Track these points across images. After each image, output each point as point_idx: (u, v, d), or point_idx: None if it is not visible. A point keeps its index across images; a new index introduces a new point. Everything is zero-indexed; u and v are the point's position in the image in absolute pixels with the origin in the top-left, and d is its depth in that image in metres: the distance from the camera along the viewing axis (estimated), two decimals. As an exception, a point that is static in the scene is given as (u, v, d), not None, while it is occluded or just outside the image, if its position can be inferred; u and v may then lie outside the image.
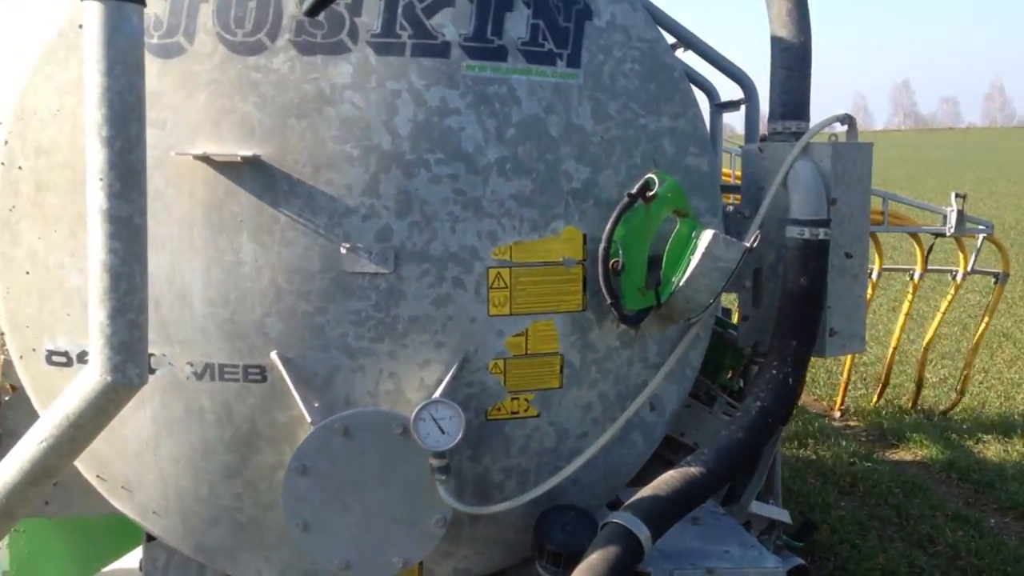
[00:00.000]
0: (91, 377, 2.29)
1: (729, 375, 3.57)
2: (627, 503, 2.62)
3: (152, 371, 2.57)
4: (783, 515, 3.42)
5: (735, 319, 3.63)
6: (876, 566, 5.13)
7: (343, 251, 2.58)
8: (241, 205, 2.56)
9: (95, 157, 2.16)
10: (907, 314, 7.72)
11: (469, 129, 2.62)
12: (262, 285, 2.59)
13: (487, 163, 2.62)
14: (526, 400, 2.76)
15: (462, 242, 2.63)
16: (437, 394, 2.62)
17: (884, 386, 8.13)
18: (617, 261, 2.63)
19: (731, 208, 3.17)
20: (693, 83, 3.12)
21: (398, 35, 2.59)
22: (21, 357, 2.76)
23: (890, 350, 7.95)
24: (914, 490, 6.26)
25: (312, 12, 2.50)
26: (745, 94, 3.39)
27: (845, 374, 8.18)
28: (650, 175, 2.65)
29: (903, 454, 7.15)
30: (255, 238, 2.57)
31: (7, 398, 2.88)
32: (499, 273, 2.66)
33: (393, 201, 2.58)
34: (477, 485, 2.77)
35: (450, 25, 2.62)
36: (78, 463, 2.72)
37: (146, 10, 2.25)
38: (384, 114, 2.58)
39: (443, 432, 2.57)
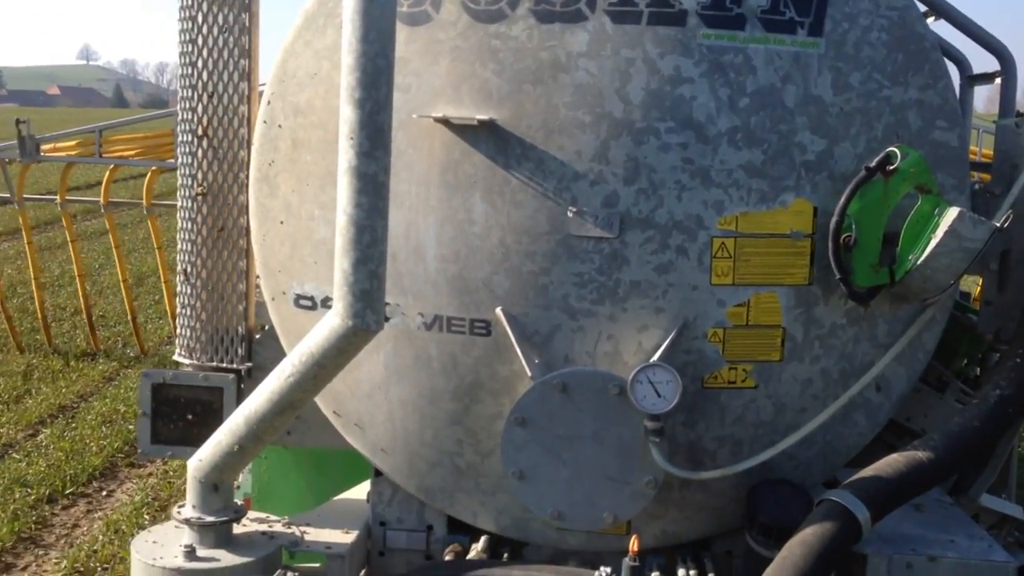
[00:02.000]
0: (333, 320, 2.48)
1: (965, 362, 3.39)
2: (847, 482, 2.56)
3: (387, 319, 2.74)
4: (1017, 511, 3.22)
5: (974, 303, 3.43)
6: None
7: (570, 215, 2.64)
8: (475, 166, 2.67)
9: (347, 117, 2.32)
10: None
11: (701, 98, 2.60)
12: (491, 244, 2.70)
13: (717, 132, 2.60)
14: (744, 371, 2.74)
15: (688, 210, 2.63)
16: (655, 358, 2.65)
17: None
18: (849, 236, 2.55)
19: (978, 186, 2.99)
20: (944, 54, 2.95)
21: (635, 3, 2.60)
22: (272, 299, 3.01)
23: None
24: None
25: None
26: (1001, 66, 3.17)
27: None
28: (892, 148, 2.55)
29: None
30: (487, 198, 2.68)
31: (258, 336, 3.15)
32: (723, 243, 2.64)
33: (621, 168, 2.62)
34: (689, 451, 2.79)
35: (689, -7, 2.61)
36: (318, 399, 2.95)
37: (398, -21, 2.38)
38: (617, 82, 2.61)
39: (659, 396, 2.61)
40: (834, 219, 2.56)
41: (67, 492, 6.47)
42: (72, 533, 6.00)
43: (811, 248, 2.66)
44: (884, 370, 2.76)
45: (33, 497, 6.29)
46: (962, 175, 2.76)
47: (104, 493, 6.61)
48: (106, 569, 5.34)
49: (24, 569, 5.53)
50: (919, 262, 2.53)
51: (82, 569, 5.45)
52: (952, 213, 2.51)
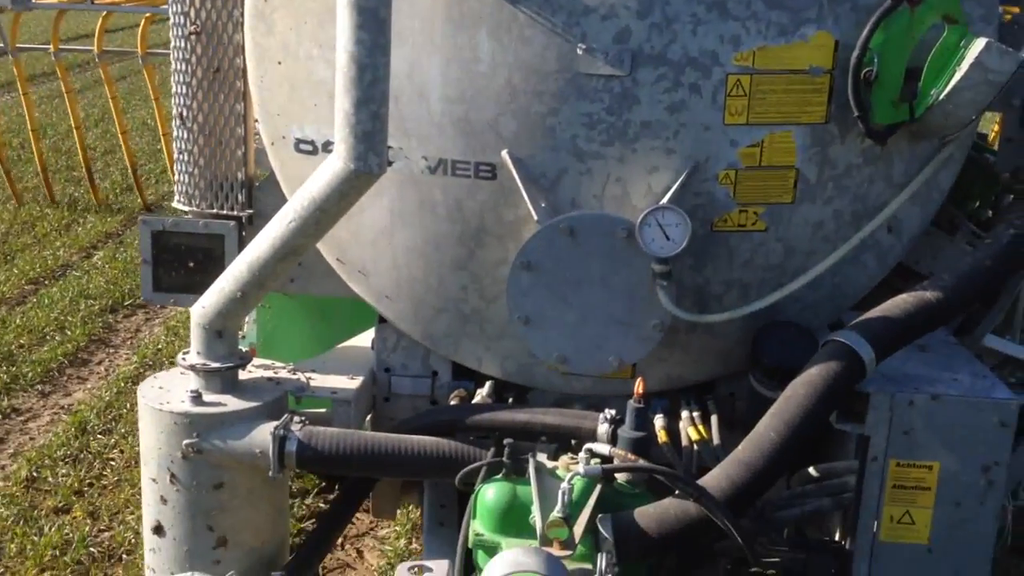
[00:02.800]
0: (335, 164, 2.42)
1: (977, 204, 3.34)
2: (853, 322, 2.55)
3: (389, 163, 2.67)
4: (1020, 351, 3.23)
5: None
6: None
7: (579, 51, 2.54)
8: (481, 1, 2.55)
9: (345, -54, 2.19)
10: None
11: (718, -78, 2.46)
12: (497, 84, 2.61)
13: (735, -40, 2.48)
14: (755, 213, 2.70)
15: (703, 46, 2.53)
16: (664, 201, 2.60)
17: None
18: (871, 71, 2.46)
19: (1007, 17, 2.87)
20: None
21: None
22: (272, 144, 2.93)
23: None
24: None
25: None
26: None
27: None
28: None
29: None
30: (493, 35, 2.57)
31: (258, 183, 3.08)
32: (739, 80, 2.55)
33: (635, 1, 2.50)
34: (697, 295, 2.77)
35: None
36: (320, 246, 2.92)
37: None
38: (629, -95, 2.46)
39: (668, 239, 2.57)
40: (855, 52, 2.46)
41: (126, 304, 7.54)
42: (136, 336, 7.13)
43: (830, 84, 2.57)
44: (898, 211, 2.72)
45: (97, 307, 7.39)
46: (991, 5, 2.64)
47: (159, 305, 7.09)
48: (171, 363, 5.52)
49: (99, 364, 6.68)
50: (941, 96, 2.45)
51: (151, 363, 6.46)
52: (979, 44, 2.41)
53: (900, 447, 2.49)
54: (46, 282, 7.98)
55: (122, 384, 6.16)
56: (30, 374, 6.28)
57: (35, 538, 4.50)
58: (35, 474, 5.09)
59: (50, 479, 5.03)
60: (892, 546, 2.57)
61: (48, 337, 6.89)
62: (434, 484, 3.13)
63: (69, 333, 6.93)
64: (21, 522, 4.63)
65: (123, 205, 10.03)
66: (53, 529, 4.57)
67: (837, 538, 2.79)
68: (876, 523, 2.56)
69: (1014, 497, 3.04)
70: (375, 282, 2.98)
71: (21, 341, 6.79)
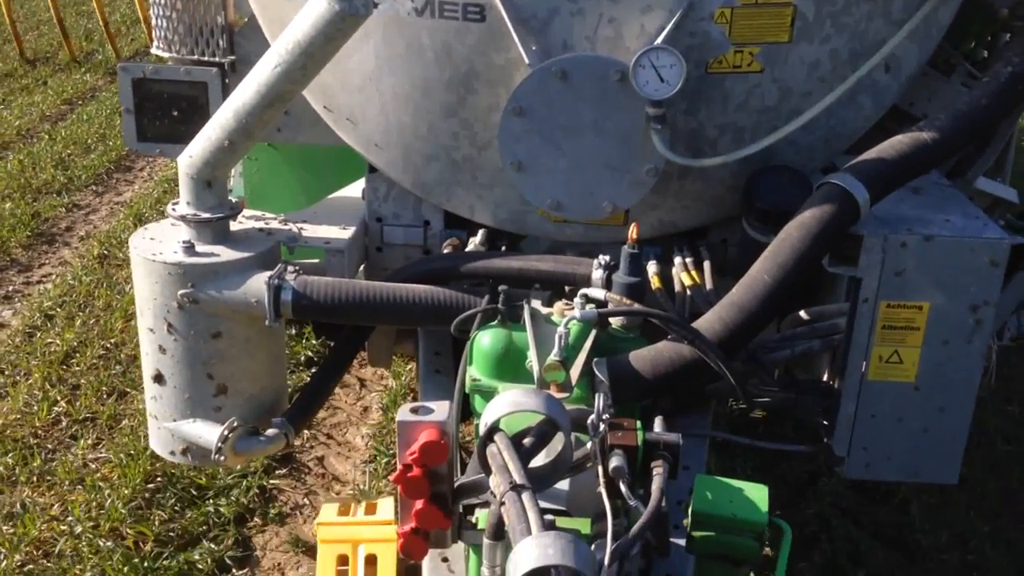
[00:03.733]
0: (319, 5, 2.33)
1: (973, 44, 3.27)
2: (848, 164, 2.54)
3: (375, 4, 2.58)
4: (1009, 193, 3.24)
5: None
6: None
7: None
8: None
9: None
10: None
11: None
12: (485, -83, 2.50)
13: None
14: (750, 54, 2.63)
15: None
16: (658, 41, 2.53)
17: None
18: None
19: None
20: None
21: None
22: (251, -15, 2.82)
23: None
24: None
25: None
26: None
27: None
28: None
29: None
30: None
31: (239, 28, 2.98)
32: (736, -90, 2.45)
33: None
34: (690, 139, 2.74)
35: None
36: (307, 94, 2.85)
37: None
38: None
39: (662, 81, 2.52)
40: None
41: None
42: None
43: (830, -86, 2.47)
44: (895, 49, 2.66)
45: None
46: None
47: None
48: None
49: (142, 169, 7.92)
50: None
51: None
52: None
53: (891, 288, 2.51)
54: (79, 102, 9.42)
55: (166, 184, 7.44)
56: (83, 176, 7.59)
57: (118, 296, 5.63)
58: (106, 252, 6.29)
59: (119, 255, 6.19)
60: (879, 384, 2.63)
61: (92, 147, 8.21)
62: (429, 332, 3.16)
63: (111, 144, 8.22)
64: (103, 285, 5.77)
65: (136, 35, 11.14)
66: (130, 289, 5.49)
67: (825, 379, 2.85)
68: (865, 363, 2.61)
69: (998, 337, 3.10)
70: (364, 130, 2.93)
71: (69, 150, 8.07)
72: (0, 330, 5.39)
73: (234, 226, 2.79)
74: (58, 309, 5.53)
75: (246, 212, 2.93)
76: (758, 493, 2.21)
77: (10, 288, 5.94)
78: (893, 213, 2.58)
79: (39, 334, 5.27)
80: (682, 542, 2.24)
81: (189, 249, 2.62)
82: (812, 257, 2.45)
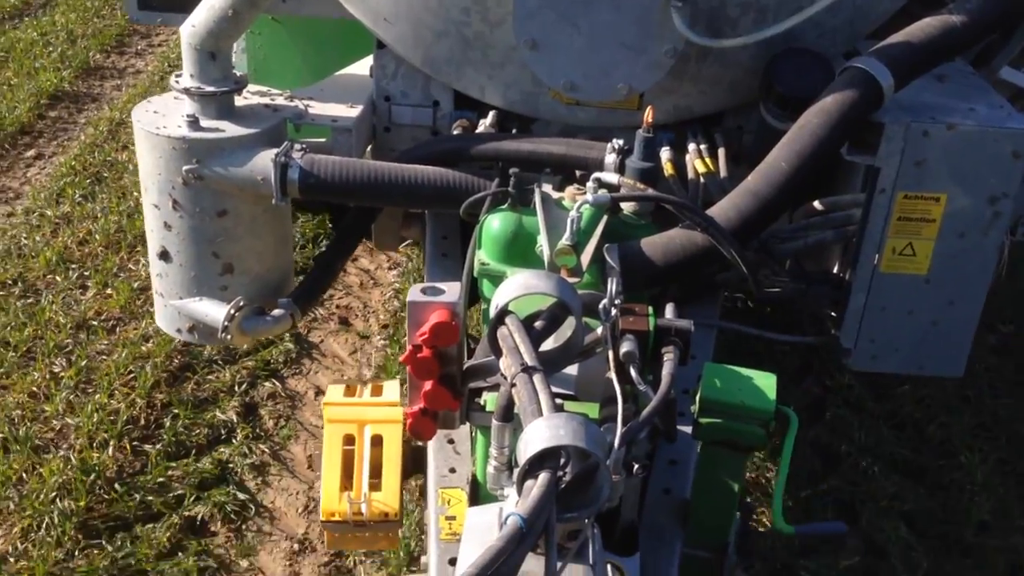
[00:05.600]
0: None
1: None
2: (873, 48, 2.45)
3: None
4: (1036, 85, 3.15)
5: None
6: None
7: None
8: None
9: None
10: None
11: None
12: None
13: None
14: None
15: None
16: (683, -86, 2.42)
17: None
18: None
19: None
20: None
21: None
22: None
23: None
24: None
25: None
26: None
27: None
28: None
29: None
30: None
31: None
32: None
33: None
34: (711, 18, 2.64)
35: None
36: (313, -36, 2.74)
37: None
38: None
39: (685, -44, 2.41)
40: None
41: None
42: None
43: None
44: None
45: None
46: None
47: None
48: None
49: None
50: None
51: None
52: None
53: (910, 178, 2.46)
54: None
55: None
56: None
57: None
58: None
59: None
60: (891, 277, 2.61)
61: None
62: (436, 215, 3.12)
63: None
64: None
65: None
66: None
67: (836, 271, 2.83)
68: (877, 255, 2.58)
69: (1012, 233, 3.06)
70: (372, 2, 2.83)
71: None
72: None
73: (239, 101, 2.73)
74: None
75: (251, 88, 2.85)
76: (766, 381, 2.20)
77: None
78: (916, 100, 2.51)
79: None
80: (687, 429, 2.25)
81: (193, 124, 2.56)
82: (832, 144, 2.39)
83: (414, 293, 1.95)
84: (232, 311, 2.63)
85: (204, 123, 2.58)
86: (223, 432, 3.89)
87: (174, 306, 2.75)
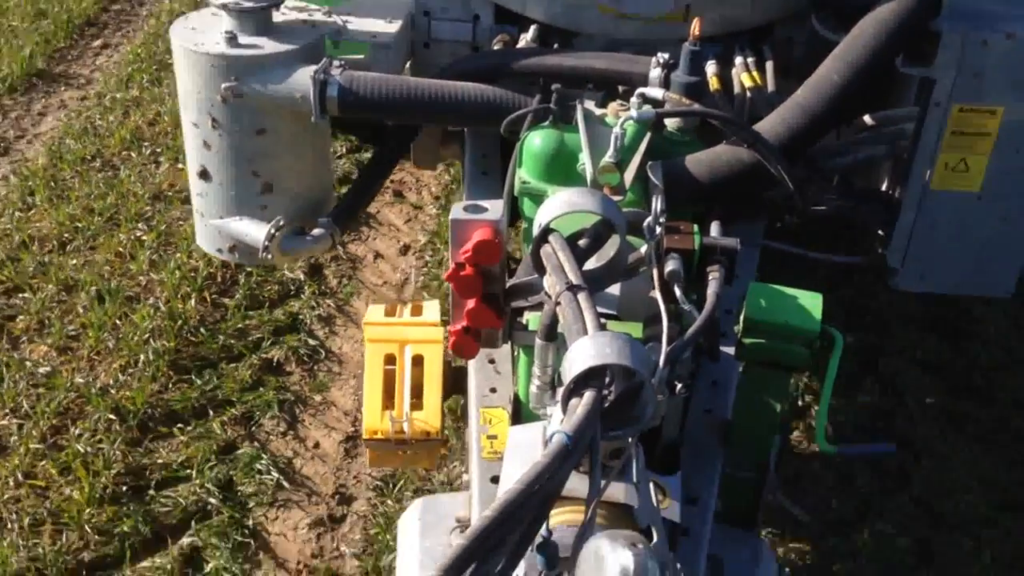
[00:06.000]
0: None
1: None
2: None
3: None
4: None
5: None
6: None
7: None
8: None
9: None
10: None
11: None
12: None
13: None
14: None
15: None
16: None
17: None
18: None
19: None
20: None
21: None
22: None
23: None
24: None
25: None
26: None
27: None
28: None
29: None
30: None
31: None
32: None
33: None
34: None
35: None
36: None
37: None
38: None
39: None
40: None
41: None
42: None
43: None
44: None
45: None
46: None
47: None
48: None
49: None
50: None
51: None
52: None
53: (967, 90, 2.38)
54: None
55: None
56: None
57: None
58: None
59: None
60: (942, 194, 2.54)
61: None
62: (476, 133, 3.08)
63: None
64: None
65: None
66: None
67: (884, 188, 2.76)
68: (929, 171, 2.52)
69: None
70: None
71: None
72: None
73: (277, 17, 2.68)
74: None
75: (288, 3, 2.80)
76: (812, 301, 2.17)
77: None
78: (974, 8, 2.41)
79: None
80: (730, 350, 2.23)
81: (232, 40, 2.52)
82: (886, 55, 2.32)
83: (456, 211, 1.93)
84: (272, 230, 2.63)
85: (242, 39, 2.55)
86: (292, 288, 4.21)
87: (214, 225, 2.75)
